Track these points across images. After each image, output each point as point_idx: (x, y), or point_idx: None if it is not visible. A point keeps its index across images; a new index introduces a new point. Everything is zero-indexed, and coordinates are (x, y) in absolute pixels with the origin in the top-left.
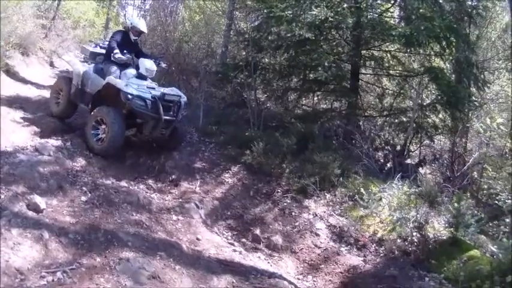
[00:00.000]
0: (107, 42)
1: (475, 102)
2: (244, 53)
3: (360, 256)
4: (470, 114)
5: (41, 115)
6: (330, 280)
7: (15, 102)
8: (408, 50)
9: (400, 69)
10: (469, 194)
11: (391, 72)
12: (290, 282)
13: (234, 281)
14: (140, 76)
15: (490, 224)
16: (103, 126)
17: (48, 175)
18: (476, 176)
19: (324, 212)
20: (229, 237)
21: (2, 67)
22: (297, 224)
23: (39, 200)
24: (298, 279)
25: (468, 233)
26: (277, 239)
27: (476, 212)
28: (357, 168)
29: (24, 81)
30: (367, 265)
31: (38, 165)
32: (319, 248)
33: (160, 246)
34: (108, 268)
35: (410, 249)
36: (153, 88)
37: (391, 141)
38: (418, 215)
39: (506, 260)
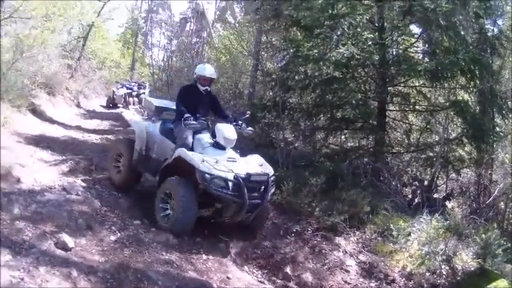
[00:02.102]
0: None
1: (500, 133)
2: (271, 93)
3: None
4: (495, 145)
5: (68, 156)
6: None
7: (42, 141)
8: (433, 85)
9: (425, 104)
10: (495, 224)
11: (417, 107)
12: None
13: None
14: (217, 145)
15: None
16: (172, 202)
17: (77, 214)
18: (502, 206)
19: (354, 249)
20: (260, 276)
21: (27, 106)
22: (327, 261)
23: (68, 239)
24: None
25: (495, 262)
26: (308, 277)
27: (503, 241)
28: (385, 205)
29: (51, 121)
30: None
31: (66, 204)
32: (349, 284)
33: (191, 285)
34: None
35: (439, 281)
36: (235, 161)
37: (419, 177)
38: (446, 248)
39: None
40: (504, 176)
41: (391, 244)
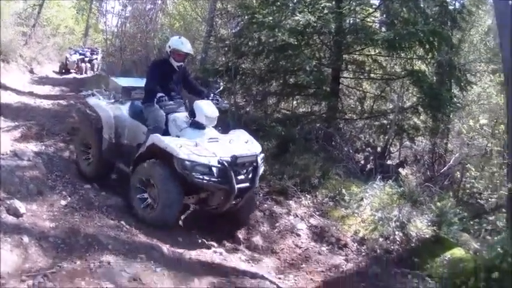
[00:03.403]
0: (146, 75)
1: (458, 104)
2: (224, 58)
3: (341, 255)
4: (451, 116)
5: (21, 122)
6: (311, 279)
7: None
8: (390, 54)
9: (381, 72)
10: (451, 193)
11: (372, 75)
12: (272, 282)
13: (215, 281)
14: (196, 124)
15: (472, 222)
16: (152, 190)
17: (28, 180)
18: (458, 175)
19: (305, 212)
20: (210, 239)
21: None
22: (277, 225)
23: (19, 205)
24: (280, 278)
25: (451, 231)
26: (258, 240)
27: (458, 210)
28: (337, 170)
29: (4, 87)
30: (349, 264)
31: (18, 170)
32: (300, 248)
33: (141, 248)
34: (89, 271)
35: (392, 247)
36: (217, 141)
37: (372, 143)
38: (400, 215)
39: (491, 257)
40: (460, 146)
41: (343, 209)
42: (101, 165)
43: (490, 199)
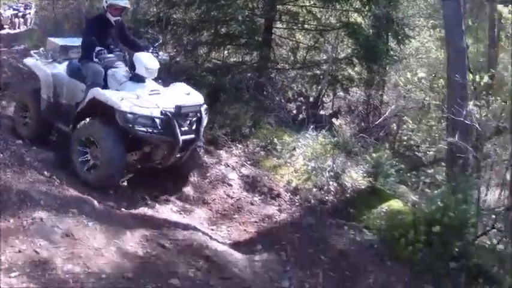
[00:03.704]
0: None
1: (394, 57)
2: (155, 9)
3: (274, 205)
4: (387, 68)
5: None
6: (244, 230)
7: None
8: (325, 5)
9: (315, 23)
10: (387, 144)
11: (305, 26)
12: (204, 233)
13: (148, 234)
14: (136, 77)
15: (410, 175)
16: (94, 149)
17: None
18: (394, 127)
19: (236, 162)
20: (141, 191)
21: None
22: (208, 175)
23: None
24: (212, 229)
25: (387, 182)
26: (189, 191)
27: (395, 162)
28: (269, 119)
29: None
30: (282, 214)
31: None
32: (232, 198)
33: (72, 203)
34: (22, 229)
35: (327, 198)
36: (158, 93)
37: (305, 93)
38: (334, 165)
39: (431, 211)
40: (397, 98)
41: (275, 158)
42: (40, 126)
43: (428, 152)
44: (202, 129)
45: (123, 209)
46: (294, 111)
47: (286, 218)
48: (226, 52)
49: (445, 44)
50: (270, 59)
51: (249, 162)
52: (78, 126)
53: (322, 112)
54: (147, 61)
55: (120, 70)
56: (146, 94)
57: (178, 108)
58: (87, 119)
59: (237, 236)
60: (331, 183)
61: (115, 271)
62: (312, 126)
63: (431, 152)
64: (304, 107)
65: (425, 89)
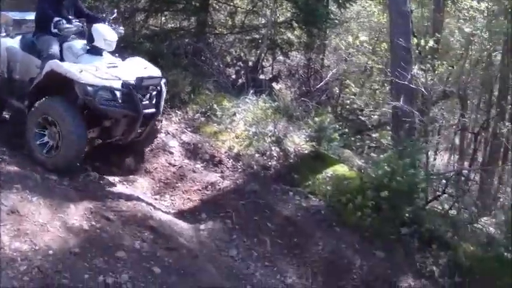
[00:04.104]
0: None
1: (335, 20)
2: None
3: (217, 172)
4: (327, 32)
5: None
6: (188, 198)
7: None
8: None
9: None
10: (329, 108)
11: None
12: (148, 203)
13: (91, 207)
14: (94, 50)
15: (354, 139)
16: (52, 129)
17: None
18: (336, 91)
19: (176, 129)
20: (82, 163)
21: None
22: None
23: None
24: (156, 199)
25: (331, 147)
26: (131, 160)
27: (338, 126)
28: (208, 85)
29: None
30: (225, 181)
31: None
32: (174, 166)
33: (16, 178)
34: None
35: (270, 163)
36: (116, 67)
37: (244, 58)
38: (275, 130)
39: (378, 176)
40: (338, 62)
41: (215, 124)
42: None
43: (372, 116)
44: (162, 103)
45: (65, 182)
46: (233, 76)
47: (229, 185)
48: (163, 18)
49: (388, 8)
50: (207, 24)
51: (189, 129)
52: (34, 105)
53: (261, 76)
54: (106, 33)
55: (77, 43)
56: (105, 67)
57: (140, 80)
58: (44, 98)
59: (181, 204)
60: (273, 148)
61: (62, 247)
62: (251, 91)
63: (375, 116)
64: (243, 72)
65: (368, 52)
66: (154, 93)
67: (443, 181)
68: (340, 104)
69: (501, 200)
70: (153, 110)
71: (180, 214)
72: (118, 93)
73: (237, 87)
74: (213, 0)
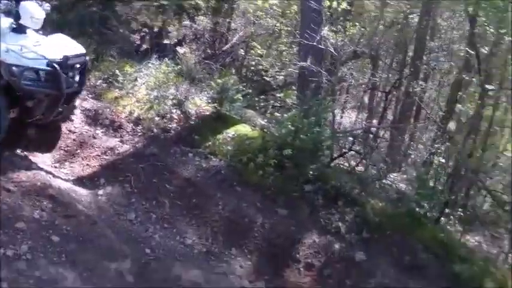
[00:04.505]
0: None
1: None
2: None
3: (116, 137)
4: None
5: None
6: (87, 164)
7: None
8: None
9: None
10: (233, 70)
11: None
12: (47, 172)
13: None
14: (19, 28)
15: (258, 99)
16: None
17: None
18: (242, 53)
19: (78, 97)
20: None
21: None
22: None
23: None
24: (56, 167)
25: (233, 108)
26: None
27: (241, 87)
28: (111, 52)
29: None
30: (125, 145)
31: None
32: (74, 133)
33: None
34: None
35: (170, 126)
36: (40, 45)
37: (149, 24)
38: (177, 93)
39: (281, 134)
40: (245, 25)
41: (117, 90)
42: None
43: (277, 77)
44: (85, 81)
45: None
46: (138, 43)
47: (128, 149)
48: None
49: None
50: None
51: (91, 95)
52: None
53: (166, 41)
54: (34, 11)
55: (3, 21)
56: (31, 45)
57: (66, 58)
58: None
59: (80, 171)
60: (174, 111)
61: None
62: (155, 56)
63: (281, 77)
64: (148, 37)
65: (277, 15)
66: (78, 71)
67: (351, 139)
68: (245, 65)
69: (412, 156)
70: (76, 88)
71: (79, 181)
72: (42, 73)
73: (141, 52)
74: None
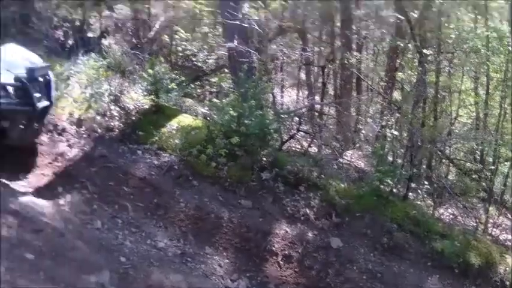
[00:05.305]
0: None
1: None
2: None
3: (63, 142)
4: None
5: None
6: (42, 174)
7: None
8: None
9: None
10: (162, 58)
11: None
12: (5, 186)
13: None
14: None
15: (194, 86)
16: None
17: None
18: (167, 39)
19: None
20: None
21: None
22: None
23: None
24: (11, 180)
25: (171, 98)
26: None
27: (174, 75)
28: (38, 51)
29: None
30: (73, 149)
31: None
32: None
33: None
34: None
35: (113, 124)
36: None
37: (70, 18)
38: (111, 88)
39: (225, 121)
40: (165, 9)
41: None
42: None
43: (207, 61)
44: (53, 93)
45: None
46: (62, 39)
47: (77, 152)
48: None
49: None
50: None
51: None
52: None
53: (90, 35)
54: None
55: None
56: None
57: (32, 71)
58: None
59: (36, 182)
60: (112, 107)
61: None
62: (81, 51)
63: (211, 60)
64: (71, 32)
65: None
66: (43, 83)
67: (296, 119)
68: (173, 52)
69: (363, 131)
70: (47, 102)
71: (38, 192)
72: (10, 89)
73: (67, 49)
74: None
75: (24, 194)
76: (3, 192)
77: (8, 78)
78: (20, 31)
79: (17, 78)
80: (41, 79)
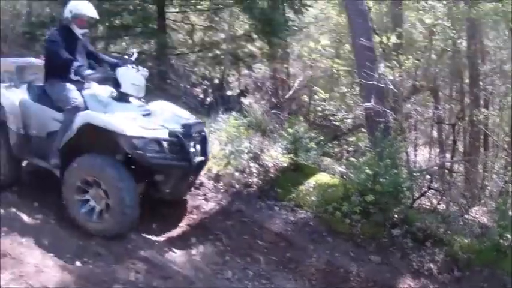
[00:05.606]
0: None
1: (293, 27)
2: (48, 9)
3: (200, 196)
4: (288, 40)
5: None
6: (178, 226)
7: None
8: None
9: (208, 3)
10: (301, 117)
11: (198, 7)
12: (140, 236)
13: (81, 243)
14: (121, 97)
15: (331, 145)
16: (98, 191)
17: None
18: (305, 99)
19: None
20: None
21: None
22: None
23: None
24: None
25: (309, 157)
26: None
27: (313, 134)
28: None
29: None
30: (210, 203)
31: None
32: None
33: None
34: None
35: (251, 181)
36: (149, 114)
37: (208, 76)
38: (251, 146)
39: (361, 180)
40: (303, 69)
41: None
42: (13, 165)
43: (345, 120)
44: (209, 149)
45: (52, 221)
46: (201, 96)
47: (214, 206)
48: (124, 44)
49: (345, 8)
50: (167, 45)
51: None
52: (72, 165)
53: (229, 93)
54: (133, 77)
55: (101, 89)
56: (140, 115)
57: (188, 127)
58: (88, 154)
59: (169, 232)
60: (252, 165)
61: (58, 285)
62: (221, 109)
63: (349, 120)
64: (210, 90)
65: (331, 56)
66: (199, 139)
67: (428, 176)
68: (311, 111)
69: (489, 187)
70: (202, 158)
71: (171, 241)
72: (165, 144)
73: (207, 106)
74: (170, 20)
75: (156, 242)
76: (135, 239)
77: (162, 134)
78: (157, 86)
79: (172, 134)
80: (196, 135)
